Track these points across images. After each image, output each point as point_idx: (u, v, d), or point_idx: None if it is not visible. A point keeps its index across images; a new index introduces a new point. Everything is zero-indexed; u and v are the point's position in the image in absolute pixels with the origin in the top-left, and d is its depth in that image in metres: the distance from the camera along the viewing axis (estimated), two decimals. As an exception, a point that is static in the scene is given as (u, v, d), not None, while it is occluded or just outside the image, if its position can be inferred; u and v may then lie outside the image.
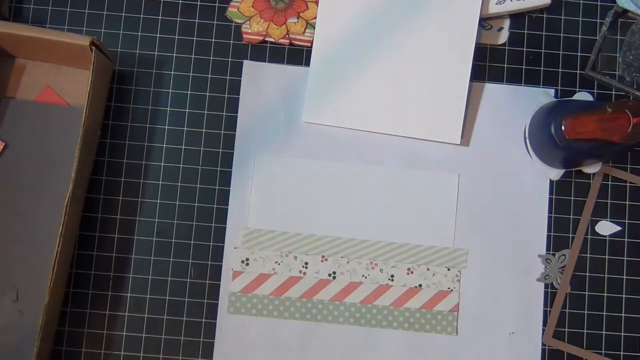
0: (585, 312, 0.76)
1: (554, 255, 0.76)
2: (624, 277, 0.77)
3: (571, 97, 0.76)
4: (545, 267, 0.76)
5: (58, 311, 0.74)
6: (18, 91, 0.77)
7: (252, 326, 0.75)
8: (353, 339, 0.75)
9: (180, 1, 0.79)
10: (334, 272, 0.76)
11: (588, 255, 0.77)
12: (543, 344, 0.75)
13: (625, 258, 0.77)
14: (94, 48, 0.69)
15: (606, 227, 0.77)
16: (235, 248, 0.76)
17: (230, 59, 0.78)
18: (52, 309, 0.71)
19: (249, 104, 0.78)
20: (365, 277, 0.76)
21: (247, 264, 0.76)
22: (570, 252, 0.76)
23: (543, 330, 0.75)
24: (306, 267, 0.76)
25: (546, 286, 0.76)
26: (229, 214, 0.76)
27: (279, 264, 0.76)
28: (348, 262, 0.76)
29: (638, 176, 0.78)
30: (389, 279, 0.75)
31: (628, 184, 0.78)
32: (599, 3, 0.80)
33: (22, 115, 0.76)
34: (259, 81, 0.78)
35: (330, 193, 0.77)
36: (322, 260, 0.76)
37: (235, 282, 0.76)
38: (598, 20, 0.80)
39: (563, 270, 0.76)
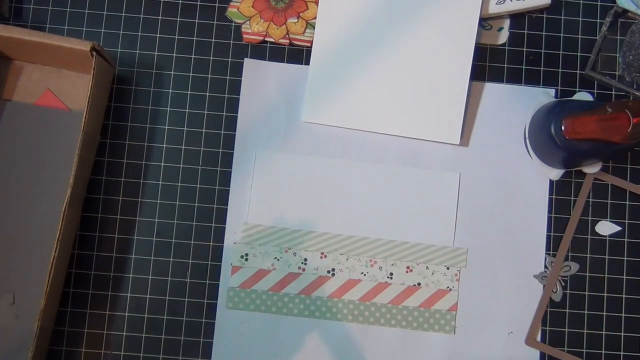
0: (585, 312, 0.76)
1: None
2: (624, 277, 0.76)
3: (571, 97, 0.76)
4: (547, 269, 0.76)
5: (55, 314, 0.74)
6: (18, 94, 0.77)
7: (250, 322, 0.75)
8: (351, 336, 0.75)
9: (180, 1, 0.79)
10: (333, 269, 0.75)
11: (588, 255, 0.77)
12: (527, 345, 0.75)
13: (625, 258, 0.77)
14: (94, 53, 0.69)
15: (606, 227, 0.77)
16: (234, 243, 0.76)
17: (230, 59, 0.79)
18: (49, 313, 0.71)
19: (249, 102, 0.78)
20: (364, 275, 0.75)
21: (246, 259, 0.76)
22: (557, 255, 0.76)
23: (542, 330, 0.75)
24: (305, 264, 0.76)
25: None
26: (229, 209, 0.76)
27: (278, 259, 0.76)
28: (347, 259, 0.76)
29: (636, 176, 0.78)
30: (387, 277, 0.75)
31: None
32: (599, 3, 0.80)
33: (22, 119, 0.76)
34: (260, 79, 0.78)
35: (330, 190, 0.77)
36: (321, 257, 0.76)
37: (234, 277, 0.75)
38: (598, 20, 0.80)
39: (564, 277, 0.76)
